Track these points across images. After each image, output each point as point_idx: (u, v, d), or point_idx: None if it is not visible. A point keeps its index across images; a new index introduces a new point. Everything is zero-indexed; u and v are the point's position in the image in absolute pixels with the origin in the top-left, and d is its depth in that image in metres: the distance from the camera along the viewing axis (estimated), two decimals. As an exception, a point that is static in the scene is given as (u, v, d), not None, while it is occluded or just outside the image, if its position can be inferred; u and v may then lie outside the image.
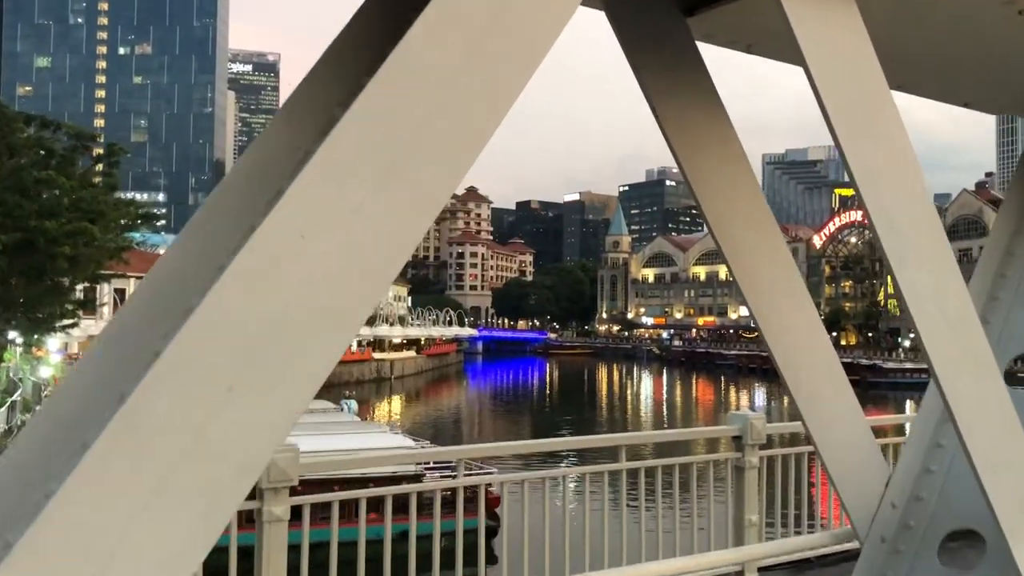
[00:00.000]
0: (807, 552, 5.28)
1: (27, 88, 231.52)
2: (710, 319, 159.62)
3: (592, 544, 6.08)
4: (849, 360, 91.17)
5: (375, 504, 5.38)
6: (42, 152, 41.65)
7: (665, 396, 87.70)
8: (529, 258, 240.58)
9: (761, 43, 3.38)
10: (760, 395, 76.60)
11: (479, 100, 1.84)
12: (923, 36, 3.40)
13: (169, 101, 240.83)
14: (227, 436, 1.56)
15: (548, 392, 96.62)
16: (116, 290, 67.50)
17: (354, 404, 41.78)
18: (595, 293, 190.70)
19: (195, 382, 1.54)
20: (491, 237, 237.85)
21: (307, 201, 1.69)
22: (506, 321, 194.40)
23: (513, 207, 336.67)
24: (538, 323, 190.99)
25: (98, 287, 59.82)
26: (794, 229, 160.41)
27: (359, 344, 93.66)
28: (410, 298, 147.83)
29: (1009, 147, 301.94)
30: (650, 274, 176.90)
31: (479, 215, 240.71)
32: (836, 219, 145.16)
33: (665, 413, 70.33)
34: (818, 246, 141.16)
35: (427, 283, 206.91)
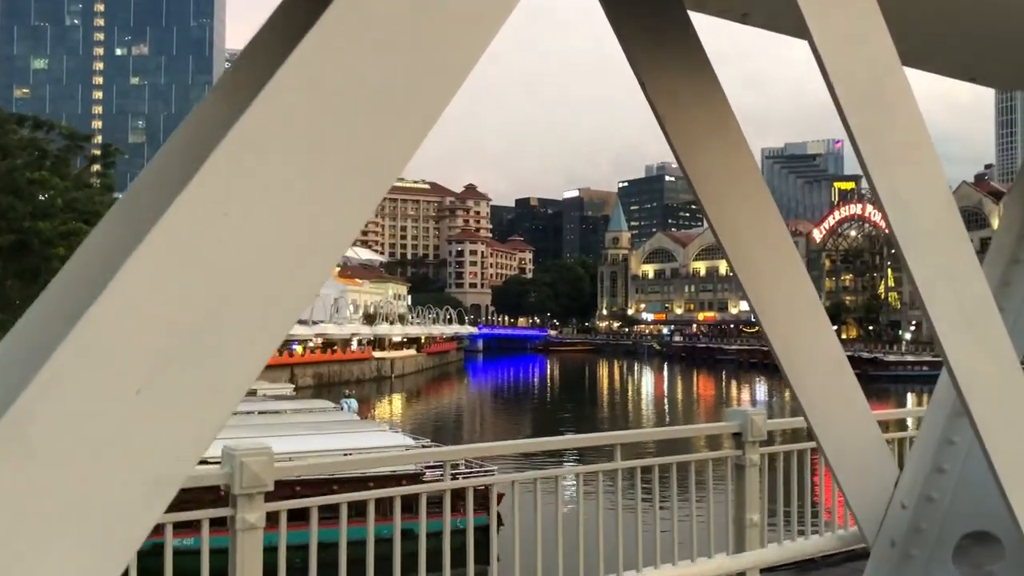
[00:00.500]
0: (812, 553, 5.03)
1: (24, 90, 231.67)
2: (710, 314, 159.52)
3: (587, 547, 5.83)
4: (850, 353, 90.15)
5: (361, 506, 5.16)
6: (36, 153, 41.50)
7: (666, 392, 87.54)
8: (529, 255, 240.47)
9: (758, 11, 3.14)
10: (761, 390, 76.39)
11: (431, 64, 1.60)
12: (931, 3, 3.17)
13: (167, 102, 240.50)
14: (133, 448, 1.32)
15: (549, 389, 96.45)
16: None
17: (354, 403, 41.53)
18: (595, 290, 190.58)
19: (94, 384, 1.29)
20: (490, 235, 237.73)
21: (231, 174, 1.44)
22: (506, 319, 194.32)
23: (512, 204, 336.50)
24: (538, 320, 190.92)
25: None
26: (794, 223, 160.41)
27: (359, 343, 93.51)
28: (410, 296, 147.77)
29: (1008, 139, 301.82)
30: (650, 270, 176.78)
31: (478, 213, 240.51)
32: (836, 213, 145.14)
33: (666, 409, 70.15)
34: (818, 240, 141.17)
35: (427, 281, 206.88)
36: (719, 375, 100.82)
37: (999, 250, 3.93)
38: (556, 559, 5.74)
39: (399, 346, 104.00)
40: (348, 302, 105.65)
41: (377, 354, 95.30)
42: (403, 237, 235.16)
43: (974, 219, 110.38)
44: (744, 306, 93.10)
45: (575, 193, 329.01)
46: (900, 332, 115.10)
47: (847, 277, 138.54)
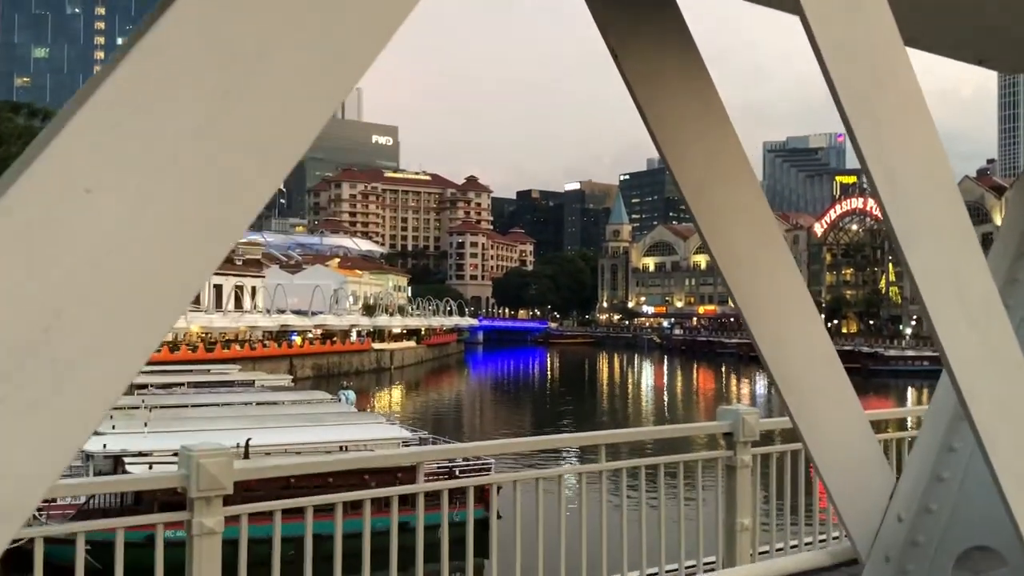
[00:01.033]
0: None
1: (25, 79, 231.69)
2: (711, 308, 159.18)
3: (569, 554, 5.58)
4: (850, 348, 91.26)
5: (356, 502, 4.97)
6: (31, 141, 41.30)
7: (666, 385, 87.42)
8: (529, 247, 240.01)
9: None
10: (761, 384, 76.07)
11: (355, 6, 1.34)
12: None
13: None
14: None
15: (549, 382, 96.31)
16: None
17: (352, 395, 41.20)
18: (596, 282, 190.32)
19: None
20: (491, 227, 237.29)
21: (96, 141, 1.19)
22: (507, 311, 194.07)
23: (513, 196, 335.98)
24: (539, 313, 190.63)
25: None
26: (795, 217, 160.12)
27: (359, 334, 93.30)
28: (410, 288, 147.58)
29: (1010, 134, 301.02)
30: (651, 263, 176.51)
31: (479, 204, 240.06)
32: (837, 207, 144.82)
33: (666, 402, 70.01)
34: (819, 234, 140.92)
35: (427, 273, 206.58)
36: (719, 368, 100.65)
37: (1004, 245, 3.69)
38: (536, 559, 5.52)
39: (399, 337, 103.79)
40: (348, 293, 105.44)
41: (377, 345, 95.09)
42: (404, 228, 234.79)
43: (976, 214, 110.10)
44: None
45: (576, 186, 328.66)
46: (901, 327, 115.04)
47: (848, 271, 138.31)
